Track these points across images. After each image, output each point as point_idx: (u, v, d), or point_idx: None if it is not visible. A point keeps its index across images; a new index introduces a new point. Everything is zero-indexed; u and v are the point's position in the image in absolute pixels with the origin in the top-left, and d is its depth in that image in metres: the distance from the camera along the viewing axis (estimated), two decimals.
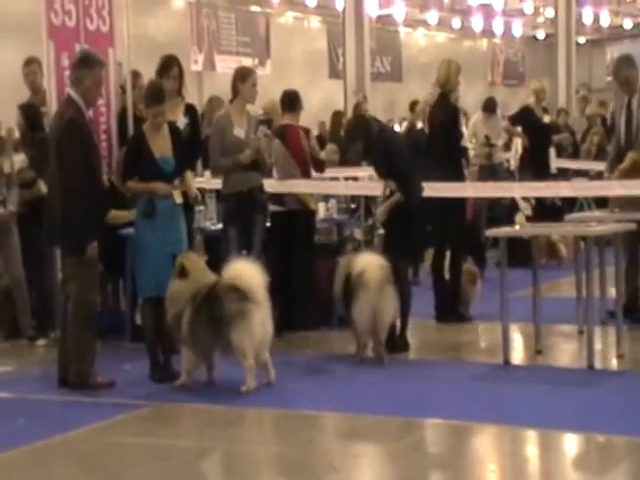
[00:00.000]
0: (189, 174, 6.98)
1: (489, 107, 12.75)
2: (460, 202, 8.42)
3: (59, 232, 6.29)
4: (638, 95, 8.08)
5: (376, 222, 7.41)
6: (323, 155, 12.47)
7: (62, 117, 6.35)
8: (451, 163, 8.34)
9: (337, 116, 14.00)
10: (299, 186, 8.24)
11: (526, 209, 11.30)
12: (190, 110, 7.67)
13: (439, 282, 8.29)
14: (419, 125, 10.20)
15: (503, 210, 11.70)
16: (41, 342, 7.88)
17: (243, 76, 7.48)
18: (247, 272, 6.14)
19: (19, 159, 8.09)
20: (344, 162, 11.46)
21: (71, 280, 6.30)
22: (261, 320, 6.11)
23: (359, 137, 7.42)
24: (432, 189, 8.24)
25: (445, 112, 8.35)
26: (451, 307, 8.21)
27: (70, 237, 6.23)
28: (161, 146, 6.66)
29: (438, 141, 8.31)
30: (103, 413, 5.86)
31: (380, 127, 7.57)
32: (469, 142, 13.13)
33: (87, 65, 6.36)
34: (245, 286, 6.07)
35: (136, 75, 8.28)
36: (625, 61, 8.28)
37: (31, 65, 8.57)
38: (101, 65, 6.51)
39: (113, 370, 6.67)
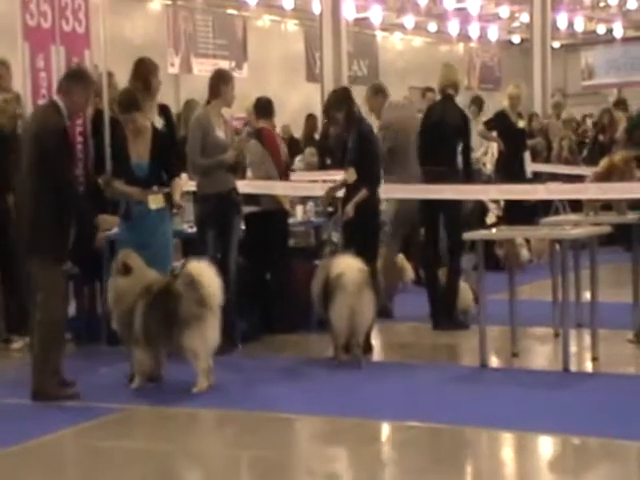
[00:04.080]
0: (177, 181, 6.86)
1: (472, 110, 12.91)
2: (457, 206, 8.18)
3: (33, 241, 6.09)
4: None
5: (343, 219, 7.34)
6: (300, 158, 12.52)
7: (48, 122, 6.15)
8: (457, 167, 8.09)
9: (311, 120, 14.00)
10: (275, 188, 8.25)
11: (495, 210, 11.35)
12: (164, 111, 7.66)
13: (433, 288, 8.13)
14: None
15: (475, 213, 11.75)
16: (16, 345, 7.82)
17: (227, 79, 7.47)
18: (206, 276, 6.14)
19: None
20: (323, 166, 11.47)
21: (40, 289, 6.14)
22: (213, 327, 6.13)
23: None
24: (406, 191, 8.27)
25: (461, 115, 8.18)
26: (448, 313, 8.00)
27: (49, 247, 6.08)
28: (139, 151, 6.69)
29: (451, 144, 8.00)
30: (78, 417, 5.81)
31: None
32: None
33: (81, 80, 6.31)
34: (203, 290, 6.08)
35: (110, 76, 8.27)
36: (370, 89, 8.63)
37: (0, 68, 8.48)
38: (93, 84, 6.51)
39: (89, 374, 6.64)
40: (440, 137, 8.05)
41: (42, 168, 6.07)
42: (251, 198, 8.03)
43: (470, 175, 8.33)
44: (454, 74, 8.36)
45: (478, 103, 13.46)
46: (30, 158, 6.15)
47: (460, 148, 8.09)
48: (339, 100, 7.44)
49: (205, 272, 6.15)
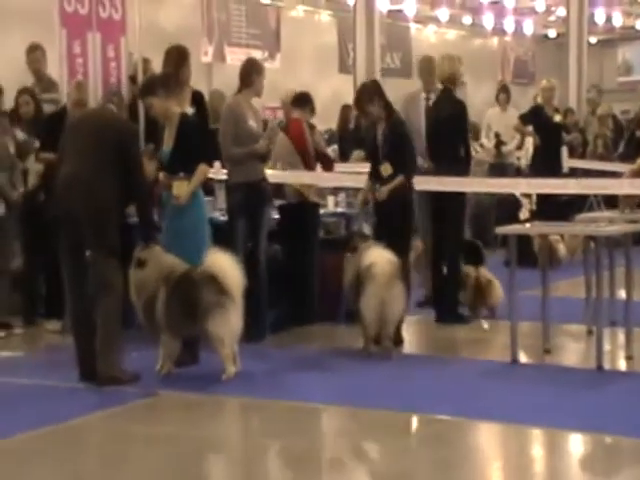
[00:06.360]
0: (199, 169, 6.68)
1: (501, 97, 12.85)
2: (461, 199, 8.27)
3: (104, 237, 6.16)
4: None
5: (378, 198, 7.27)
6: (333, 148, 12.47)
7: (129, 124, 6.65)
8: (459, 159, 8.24)
9: (346, 110, 13.90)
10: (306, 178, 8.21)
11: (528, 205, 11.24)
12: (196, 97, 7.62)
13: (439, 282, 8.17)
14: None
15: (508, 208, 11.65)
16: (52, 327, 7.89)
17: (260, 69, 7.47)
18: (227, 267, 6.16)
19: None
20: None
21: (104, 282, 6.19)
22: (235, 314, 6.16)
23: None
24: (440, 183, 8.20)
25: (454, 107, 8.25)
26: (449, 308, 8.06)
27: (116, 242, 6.20)
28: (167, 138, 6.72)
29: (445, 137, 8.14)
30: (108, 401, 5.85)
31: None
32: (484, 137, 13.13)
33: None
34: (224, 280, 6.10)
35: (146, 62, 8.27)
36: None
37: (34, 52, 8.54)
38: None
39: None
40: (439, 133, 8.16)
41: (123, 167, 6.17)
42: (276, 191, 8.01)
43: (469, 162, 8.45)
44: (454, 65, 8.41)
45: (506, 91, 13.36)
46: (111, 156, 6.17)
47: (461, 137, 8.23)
48: (369, 93, 7.39)
49: (224, 263, 6.16)
